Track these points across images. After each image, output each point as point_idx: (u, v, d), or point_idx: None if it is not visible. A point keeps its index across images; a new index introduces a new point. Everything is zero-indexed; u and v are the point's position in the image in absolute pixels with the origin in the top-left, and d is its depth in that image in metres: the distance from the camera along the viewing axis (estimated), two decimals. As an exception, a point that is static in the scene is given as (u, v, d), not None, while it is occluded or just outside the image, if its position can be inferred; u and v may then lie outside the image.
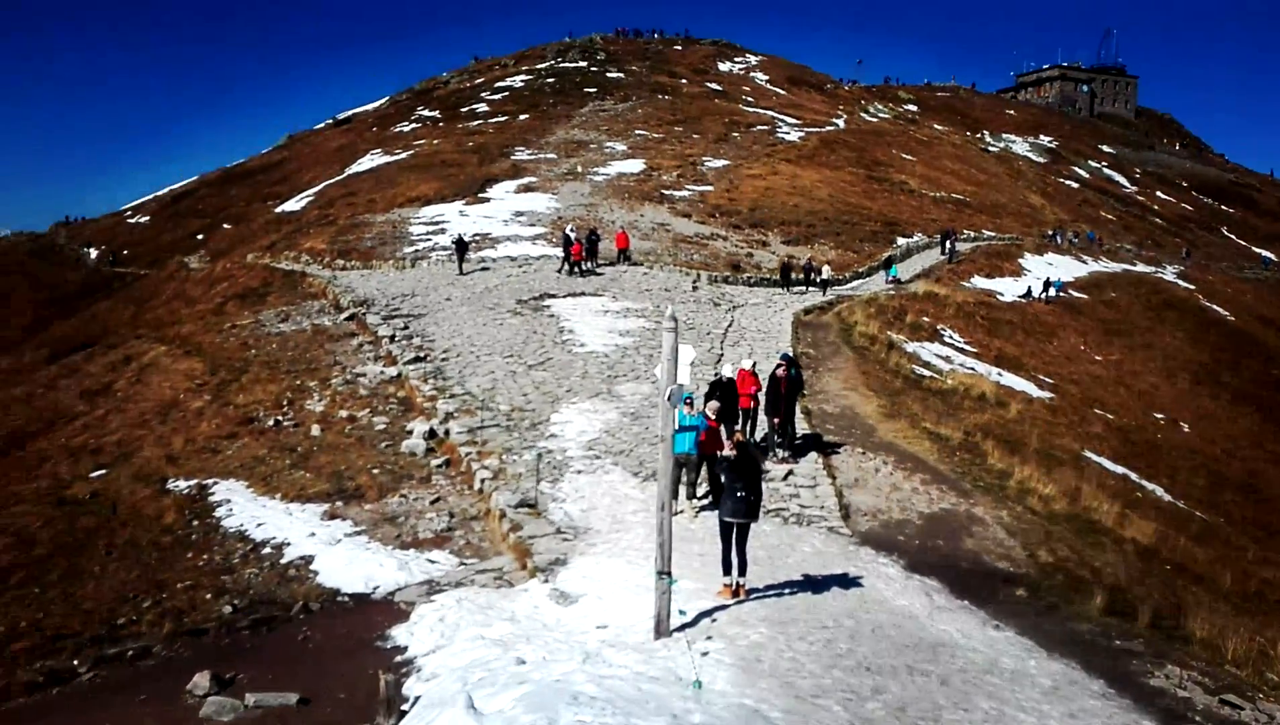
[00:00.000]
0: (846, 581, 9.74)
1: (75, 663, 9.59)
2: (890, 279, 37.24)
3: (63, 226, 77.03)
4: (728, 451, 9.15)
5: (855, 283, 37.31)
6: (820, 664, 7.26)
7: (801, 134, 68.46)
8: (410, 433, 15.91)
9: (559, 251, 30.84)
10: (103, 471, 16.52)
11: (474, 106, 75.87)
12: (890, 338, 26.46)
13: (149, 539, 13.02)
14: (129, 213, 79.44)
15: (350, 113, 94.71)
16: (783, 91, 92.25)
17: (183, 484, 14.87)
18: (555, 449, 14.53)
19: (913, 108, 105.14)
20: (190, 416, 18.52)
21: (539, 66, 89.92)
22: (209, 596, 10.76)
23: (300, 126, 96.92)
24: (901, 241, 45.69)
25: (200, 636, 9.65)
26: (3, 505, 16.18)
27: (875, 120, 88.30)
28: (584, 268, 30.16)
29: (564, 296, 26.92)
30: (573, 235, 30.63)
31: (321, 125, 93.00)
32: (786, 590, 9.19)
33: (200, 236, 56.90)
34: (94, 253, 58.54)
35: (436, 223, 38.94)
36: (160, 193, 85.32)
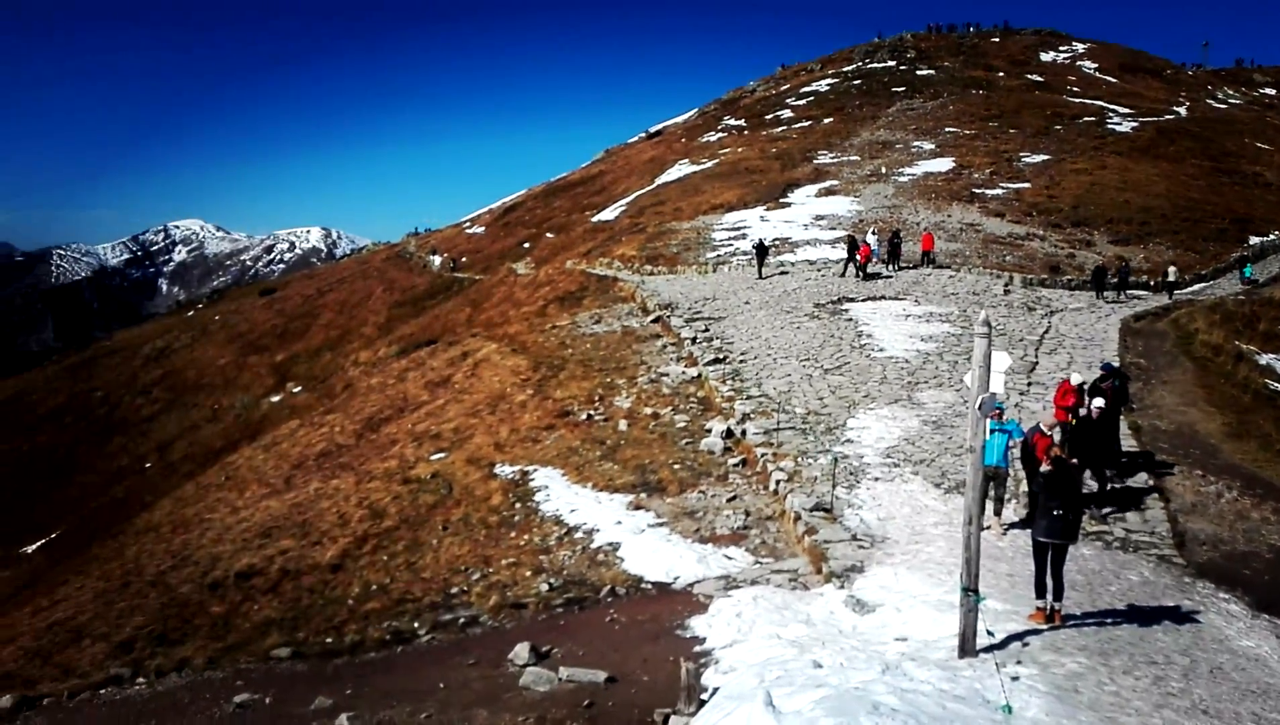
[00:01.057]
0: (1180, 615, 8.75)
1: (416, 625, 10.81)
2: (1245, 280, 32.90)
3: (413, 237, 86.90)
4: (1044, 467, 8.54)
5: (1197, 286, 33.36)
6: (1148, 702, 6.59)
7: (1135, 124, 62.15)
8: (709, 431, 16.33)
9: (858, 256, 30.26)
10: (441, 455, 18.43)
11: (778, 113, 76.26)
12: (1239, 348, 23.38)
13: (478, 517, 14.37)
14: (467, 224, 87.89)
15: (661, 126, 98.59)
16: (1114, 80, 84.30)
17: (508, 469, 16.25)
18: (851, 454, 14.29)
19: (1271, 91, 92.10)
20: (515, 408, 20.19)
21: (845, 69, 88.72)
22: (529, 574, 11.70)
23: (616, 140, 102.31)
24: (1255, 240, 40.18)
25: (521, 610, 10.54)
26: (360, 481, 18.57)
27: (1224, 107, 78.27)
28: (868, 271, 29.42)
29: (863, 300, 26.39)
30: (870, 238, 29.99)
31: (635, 139, 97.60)
32: (1108, 620, 8.41)
33: (526, 245, 61.74)
34: (437, 260, 65.41)
35: (738, 228, 39.61)
36: (494, 206, 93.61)
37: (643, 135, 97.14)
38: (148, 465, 40.10)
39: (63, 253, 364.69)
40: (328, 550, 14.49)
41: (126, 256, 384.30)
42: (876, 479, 13.35)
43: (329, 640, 10.75)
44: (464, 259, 64.78)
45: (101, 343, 73.12)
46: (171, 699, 9.43)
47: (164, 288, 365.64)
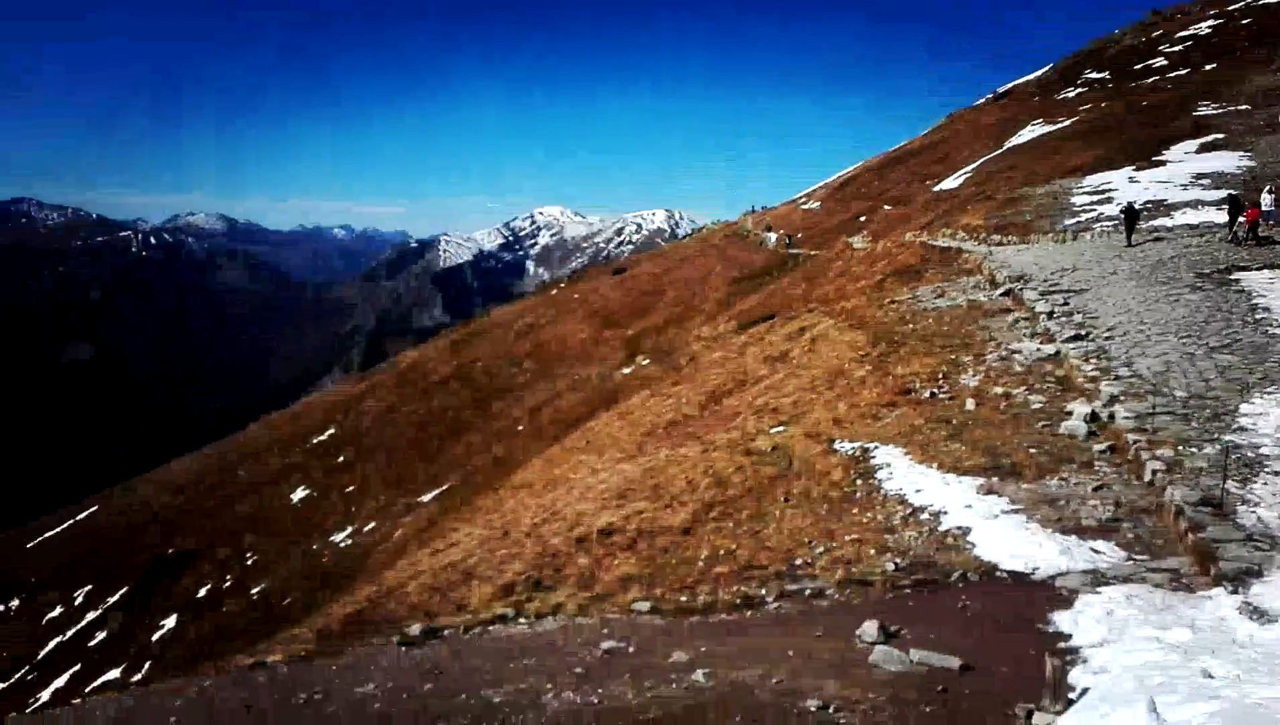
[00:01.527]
0: None
1: (763, 592, 11.18)
2: None
3: (749, 215, 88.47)
4: None
5: None
6: None
7: None
8: (1069, 414, 15.16)
9: (1243, 217, 26.37)
10: (780, 428, 18.75)
11: (1149, 62, 68.21)
12: None
13: (819, 492, 14.49)
14: (802, 200, 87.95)
15: (1009, 86, 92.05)
16: None
17: (847, 445, 16.20)
18: (1245, 444, 12.60)
19: None
20: (854, 384, 20.03)
21: (1231, 8, 77.17)
22: (872, 552, 11.64)
23: (960, 104, 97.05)
24: None
25: (867, 587, 10.53)
26: (705, 450, 19.41)
27: None
28: (1260, 236, 25.43)
29: (1258, 269, 23.01)
30: (1265, 198, 25.99)
31: (980, 101, 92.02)
32: None
33: (863, 218, 60.64)
34: (773, 237, 66.15)
35: (1102, 191, 36.11)
36: (829, 180, 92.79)
37: (989, 97, 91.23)
38: (520, 428, 44.54)
39: (448, 239, 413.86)
40: (678, 514, 15.35)
41: (500, 241, 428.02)
42: (1277, 473, 11.71)
43: (683, 599, 11.45)
44: (799, 235, 64.89)
45: (480, 319, 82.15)
46: (548, 639, 10.55)
47: (530, 269, 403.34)
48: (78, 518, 61.45)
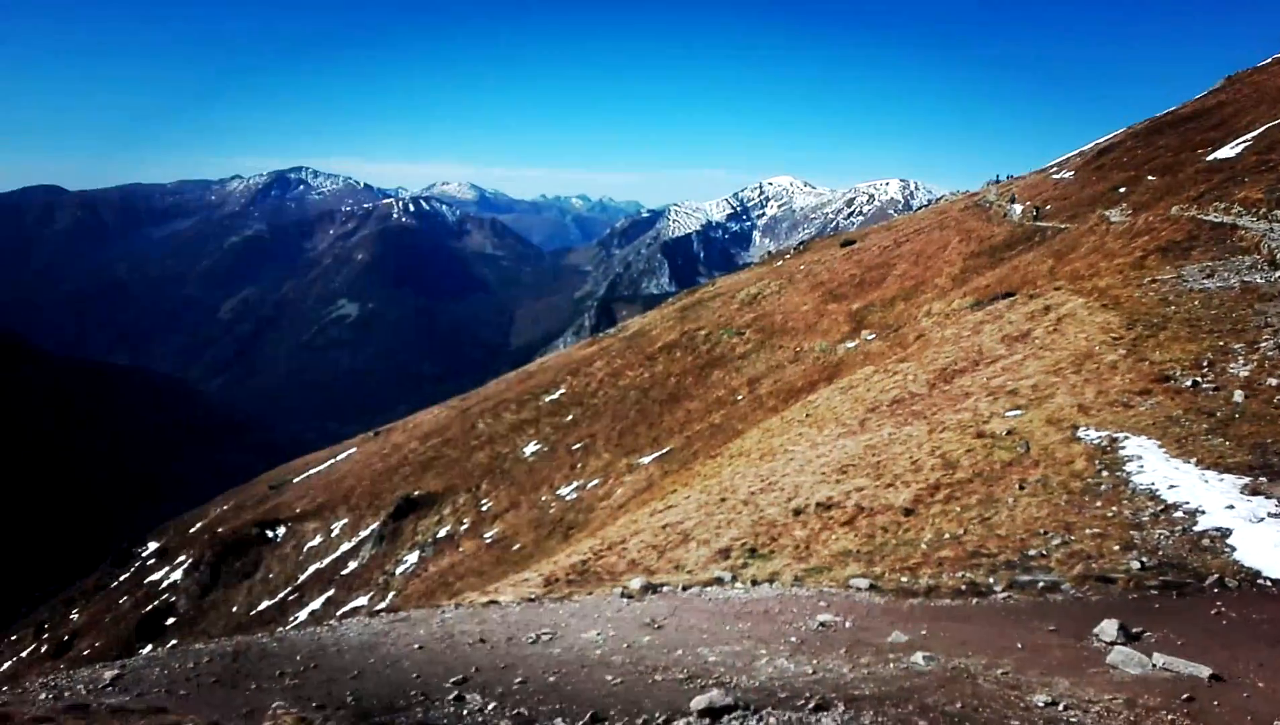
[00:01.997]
0: None
1: (991, 580, 10.73)
2: None
3: (993, 185, 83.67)
4: None
5: None
6: None
7: None
8: (1363, 413, 13.42)
9: None
10: (1018, 412, 17.78)
11: None
12: None
13: (1059, 481, 13.66)
14: (1054, 169, 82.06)
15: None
16: None
17: (1093, 434, 15.13)
18: None
19: None
20: (1104, 369, 18.64)
21: None
22: (1116, 548, 10.87)
23: (1242, 65, 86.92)
24: None
25: (1108, 585, 9.87)
26: (932, 430, 18.73)
27: None
28: None
29: None
30: None
31: (1267, 61, 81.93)
32: None
33: (1122, 190, 55.81)
34: (1018, 209, 62.23)
35: None
36: (1084, 148, 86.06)
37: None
38: (739, 398, 44.78)
39: (678, 208, 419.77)
40: (900, 493, 14.97)
41: (728, 212, 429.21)
42: None
43: (903, 579, 11.20)
44: (1048, 206, 60.61)
45: (705, 288, 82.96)
46: (764, 606, 10.66)
47: (756, 239, 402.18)
48: (337, 458, 67.96)
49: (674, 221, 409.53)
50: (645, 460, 42.05)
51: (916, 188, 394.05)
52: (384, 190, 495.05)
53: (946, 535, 12.74)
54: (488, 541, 40.84)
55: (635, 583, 12.19)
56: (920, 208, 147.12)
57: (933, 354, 28.88)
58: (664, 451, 41.91)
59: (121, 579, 55.61)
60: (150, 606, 46.20)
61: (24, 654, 51.07)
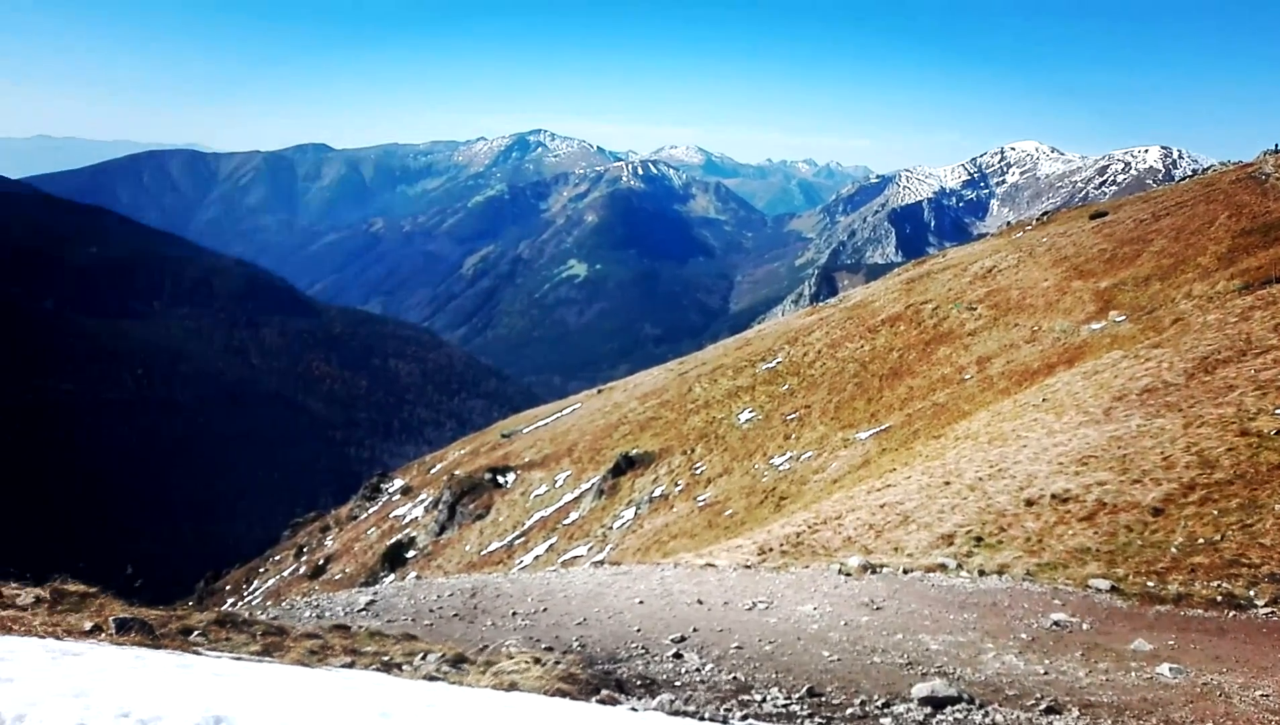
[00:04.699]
0: None
1: (1251, 593, 9.82)
2: None
3: (1271, 155, 74.69)
4: None
5: None
6: None
7: None
8: None
9: None
10: (1293, 411, 16.03)
11: None
12: None
13: (1341, 492, 12.25)
14: (1351, 134, 72.28)
15: None
16: None
17: (1387, 442, 13.43)
18: None
19: None
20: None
21: None
22: None
23: None
24: None
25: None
26: (1188, 424, 17.21)
27: None
28: None
29: None
30: None
31: None
32: None
33: None
34: (1304, 180, 55.28)
35: None
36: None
37: None
38: (967, 377, 42.85)
39: (909, 174, 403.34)
40: (1149, 491, 13.92)
41: (964, 178, 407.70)
42: None
43: (1149, 584, 10.45)
44: (1344, 179, 53.39)
45: (935, 258, 79.62)
46: (991, 598, 10.28)
47: (994, 208, 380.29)
48: (563, 412, 71.12)
49: (903, 188, 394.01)
50: (862, 436, 41.19)
51: (1180, 157, 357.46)
52: (615, 153, 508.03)
53: (1200, 540, 11.75)
54: (700, 504, 41.54)
55: (853, 561, 12.09)
56: (1183, 179, 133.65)
57: (1192, 341, 26.45)
58: (882, 428, 40.87)
59: (370, 511, 61.13)
60: (394, 539, 50.55)
61: (285, 573, 57.33)
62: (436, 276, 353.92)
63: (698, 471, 46.89)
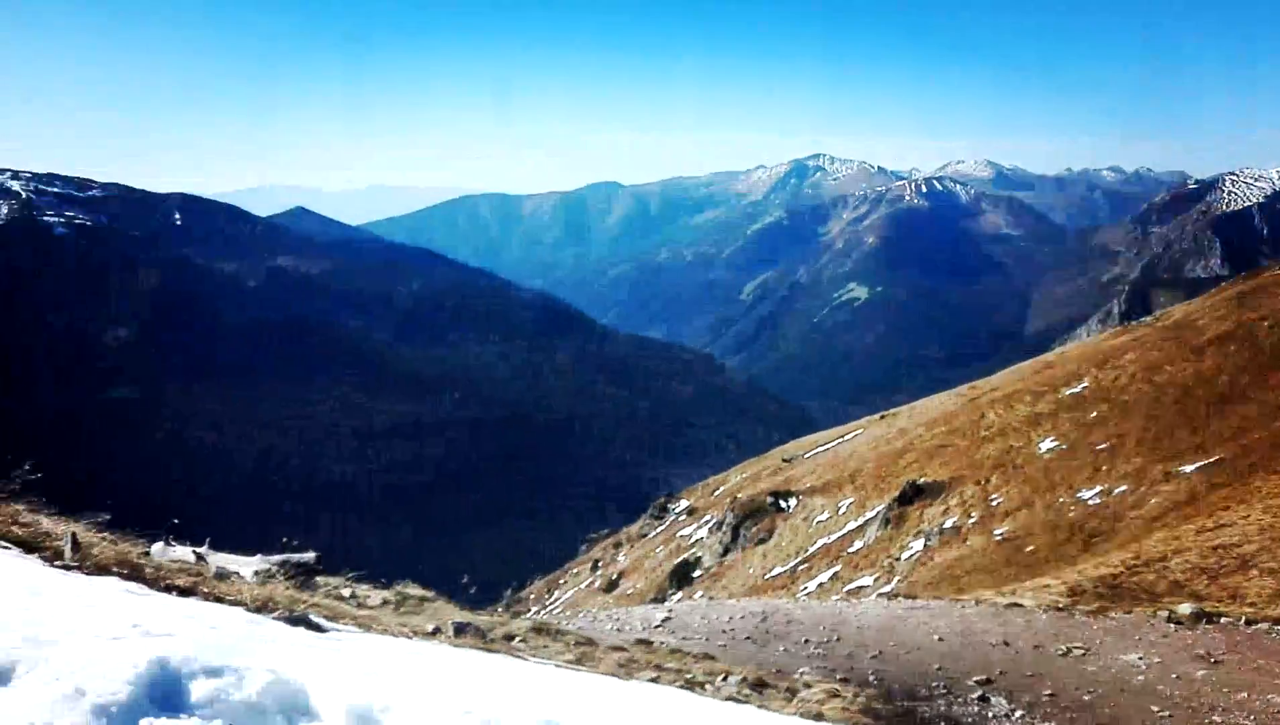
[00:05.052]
0: None
1: None
2: None
3: None
4: None
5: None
6: None
7: None
8: None
9: None
10: None
11: None
12: None
13: None
14: None
15: None
16: None
17: None
18: None
19: None
20: None
21: None
22: None
23: None
24: None
25: None
26: None
27: None
28: None
29: None
30: None
31: None
32: None
33: None
34: None
35: None
36: None
37: None
38: (1317, 405, 37.46)
39: (1234, 178, 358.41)
40: None
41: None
42: None
43: None
44: None
45: (1271, 270, 70.36)
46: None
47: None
48: (845, 438, 69.99)
49: (1228, 193, 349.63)
50: (1187, 469, 37.12)
51: None
52: (897, 172, 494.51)
53: None
54: (997, 538, 39.22)
55: (1184, 608, 11.01)
56: None
57: None
58: (1210, 460, 36.62)
59: (659, 530, 63.30)
60: (681, 558, 52.00)
61: (582, 586, 60.63)
62: (716, 303, 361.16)
63: (993, 503, 44.38)
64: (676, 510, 65.66)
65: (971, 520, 43.37)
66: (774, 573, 45.44)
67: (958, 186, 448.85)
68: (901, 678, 8.80)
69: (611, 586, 54.81)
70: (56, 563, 5.76)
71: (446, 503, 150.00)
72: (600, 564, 63.49)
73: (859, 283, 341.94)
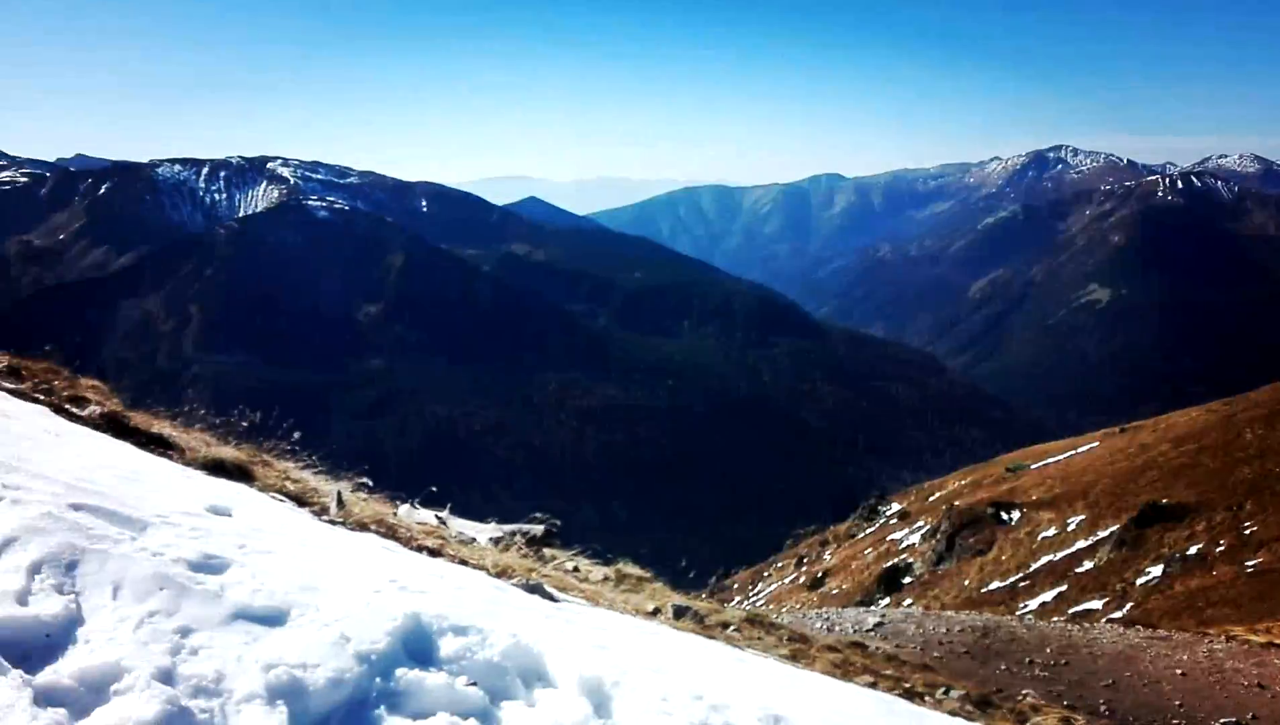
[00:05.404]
0: None
1: None
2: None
3: None
4: None
5: None
6: None
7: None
8: None
9: None
10: None
11: None
12: None
13: None
14: None
15: None
16: None
17: None
18: None
19: None
20: None
21: None
22: None
23: None
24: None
25: None
26: None
27: None
28: None
29: None
30: None
31: None
32: None
33: None
34: None
35: None
36: None
37: None
38: None
39: None
40: None
41: None
42: None
43: None
44: None
45: None
46: None
47: None
48: (1077, 450, 65.75)
49: None
50: None
51: None
52: (1149, 166, 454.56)
53: None
54: (1249, 570, 35.74)
55: None
56: None
57: None
58: None
59: (868, 531, 62.02)
60: (891, 563, 50.75)
61: (786, 581, 60.43)
62: (941, 301, 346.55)
63: (1245, 531, 40.48)
64: (888, 513, 64.11)
65: (1219, 548, 39.77)
66: (991, 587, 43.55)
67: (1219, 183, 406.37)
68: (1137, 711, 8.46)
69: (816, 584, 54.39)
70: (323, 517, 6.17)
71: (658, 486, 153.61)
72: (805, 560, 63.09)
73: (1101, 284, 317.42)
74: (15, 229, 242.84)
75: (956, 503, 54.98)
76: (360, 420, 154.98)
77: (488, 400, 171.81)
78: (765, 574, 65.41)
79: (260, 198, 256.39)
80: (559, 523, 9.49)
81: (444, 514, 8.34)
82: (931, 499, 63.43)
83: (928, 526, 53.46)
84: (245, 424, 8.05)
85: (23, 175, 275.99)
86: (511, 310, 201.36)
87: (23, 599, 3.24)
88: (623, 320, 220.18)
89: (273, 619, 3.60)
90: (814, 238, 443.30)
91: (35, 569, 3.42)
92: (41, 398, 6.72)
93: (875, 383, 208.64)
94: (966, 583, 44.56)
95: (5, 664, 2.91)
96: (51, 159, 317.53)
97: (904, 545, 53.76)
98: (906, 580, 47.66)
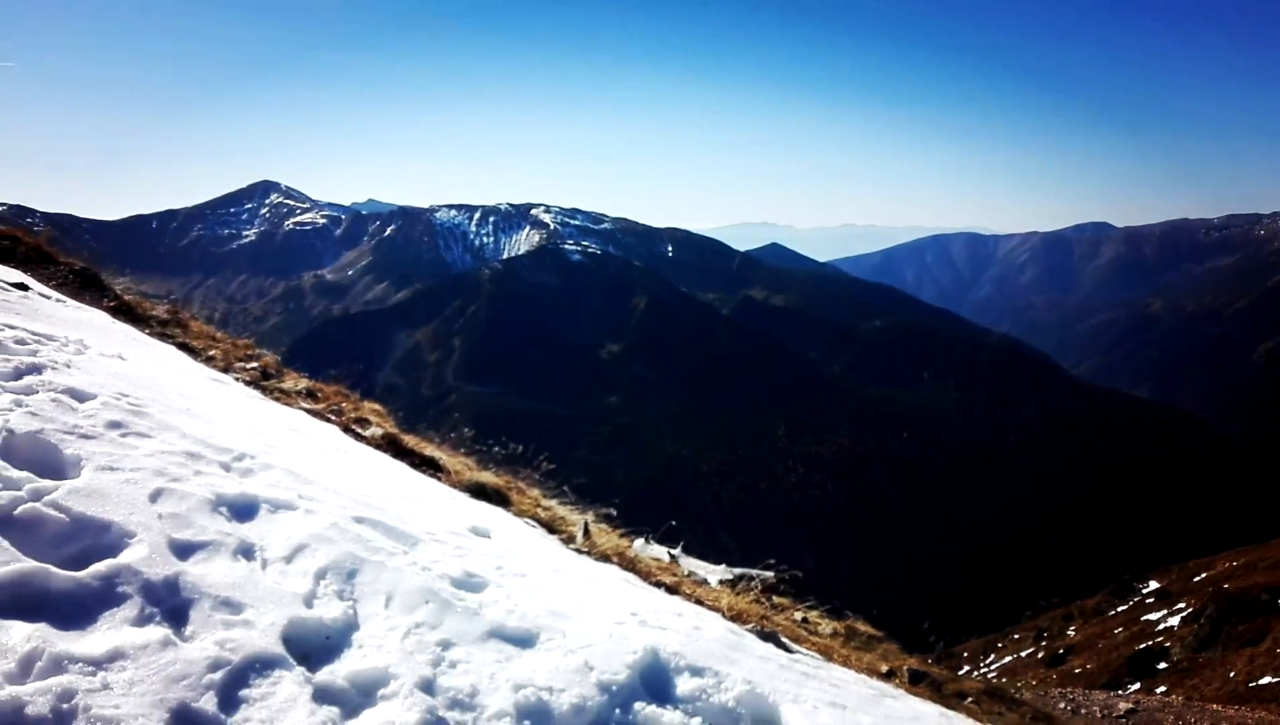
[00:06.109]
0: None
1: None
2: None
3: None
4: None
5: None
6: None
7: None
8: None
9: None
10: None
11: None
12: None
13: None
14: None
15: None
16: None
17: None
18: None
19: None
20: None
21: None
22: None
23: None
24: None
25: None
26: None
27: None
28: None
29: None
30: None
31: None
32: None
33: None
34: None
35: None
36: None
37: None
38: None
39: None
40: None
41: None
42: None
43: None
44: None
45: None
46: None
47: None
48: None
49: None
50: None
51: None
52: None
53: None
54: None
55: None
56: None
57: None
58: None
59: (1119, 609, 56.81)
60: (1143, 645, 46.32)
61: (1022, 654, 56.41)
62: (1220, 363, 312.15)
63: None
64: (1144, 590, 58.62)
65: None
66: (1262, 681, 38.80)
67: None
68: None
69: (1056, 661, 50.55)
70: (570, 545, 6.38)
71: (885, 540, 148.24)
72: (1045, 634, 58.79)
73: None
74: (311, 264, 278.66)
75: (1226, 585, 49.47)
76: (596, 453, 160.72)
77: (717, 441, 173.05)
78: (999, 644, 61.53)
79: (523, 241, 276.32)
80: (798, 573, 9.53)
81: (676, 552, 8.44)
82: (1196, 579, 57.35)
83: (1190, 609, 48.43)
84: (500, 451, 8.63)
85: (322, 217, 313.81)
86: (746, 353, 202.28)
87: (309, 602, 3.50)
88: (859, 368, 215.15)
89: (524, 640, 3.74)
90: (1075, 290, 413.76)
91: (321, 575, 3.70)
92: (333, 418, 7.49)
93: (1137, 448, 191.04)
94: (1232, 674, 39.93)
95: (291, 660, 3.11)
96: (347, 202, 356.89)
97: (1161, 628, 48.97)
98: (1161, 666, 43.38)
